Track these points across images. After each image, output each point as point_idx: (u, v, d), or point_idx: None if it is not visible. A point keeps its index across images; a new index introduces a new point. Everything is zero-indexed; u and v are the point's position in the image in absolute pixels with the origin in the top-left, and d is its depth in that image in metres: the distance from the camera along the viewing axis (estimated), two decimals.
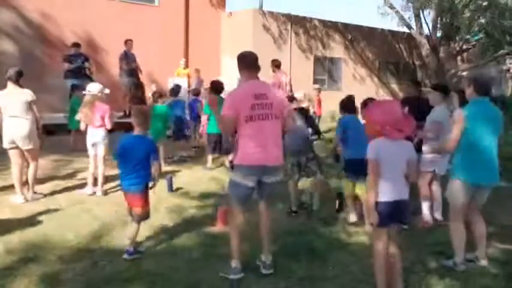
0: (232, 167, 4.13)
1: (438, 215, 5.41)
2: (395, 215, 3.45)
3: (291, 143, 5.26)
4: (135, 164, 4.17)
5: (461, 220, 4.12)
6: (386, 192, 3.39)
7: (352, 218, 5.34)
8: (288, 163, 5.37)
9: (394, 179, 3.41)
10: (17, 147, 5.74)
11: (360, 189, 5.20)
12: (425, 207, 5.34)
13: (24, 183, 5.95)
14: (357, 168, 5.04)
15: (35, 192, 5.99)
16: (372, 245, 3.64)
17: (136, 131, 4.30)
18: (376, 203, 3.40)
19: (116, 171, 7.40)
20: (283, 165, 4.14)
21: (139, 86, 10.58)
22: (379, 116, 3.42)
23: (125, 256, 4.14)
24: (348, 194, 5.40)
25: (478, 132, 3.97)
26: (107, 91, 6.35)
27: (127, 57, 11.84)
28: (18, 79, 5.69)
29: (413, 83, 6.95)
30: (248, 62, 3.99)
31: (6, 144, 5.73)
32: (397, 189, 3.42)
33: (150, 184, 4.31)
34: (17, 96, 5.61)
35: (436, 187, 5.44)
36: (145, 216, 4.30)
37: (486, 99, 4.08)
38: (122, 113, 12.21)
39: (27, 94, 5.68)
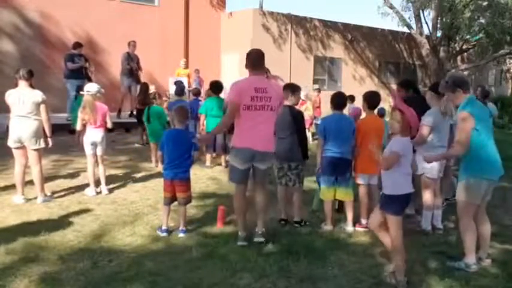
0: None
1: (439, 223, 5.18)
2: (406, 205, 3.95)
3: (278, 147, 4.91)
4: (181, 154, 4.76)
5: (472, 219, 4.09)
6: (406, 185, 3.80)
7: (328, 226, 5.08)
8: (275, 167, 5.17)
9: (410, 173, 3.86)
10: (22, 147, 5.74)
11: (344, 195, 5.08)
12: (429, 217, 5.09)
13: (25, 184, 5.95)
14: (336, 168, 5.00)
15: (46, 195, 5.93)
16: (393, 234, 3.78)
17: (178, 126, 4.93)
18: (399, 196, 3.76)
19: (114, 172, 7.47)
20: (273, 154, 4.62)
21: (147, 89, 10.58)
22: (413, 118, 3.81)
23: (181, 234, 4.75)
24: (327, 200, 5.12)
25: (485, 129, 4.01)
26: (102, 91, 6.37)
27: (129, 59, 11.88)
28: (30, 79, 5.71)
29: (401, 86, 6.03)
30: (252, 59, 4.47)
31: (12, 143, 5.72)
32: (411, 182, 3.88)
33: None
34: (27, 96, 5.63)
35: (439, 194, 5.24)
36: (190, 199, 4.93)
37: (473, 96, 4.17)
38: (128, 113, 12.29)
39: (37, 95, 5.70)
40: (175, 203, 4.87)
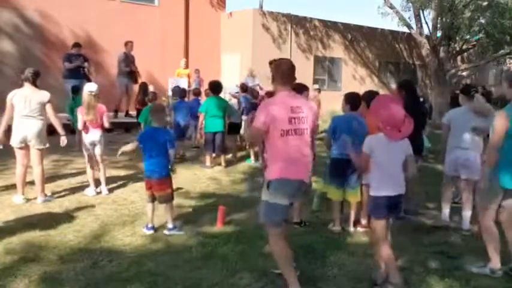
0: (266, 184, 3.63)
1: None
2: (392, 208, 3.63)
3: None
4: (155, 152, 4.77)
5: (492, 222, 3.99)
6: (385, 187, 3.57)
7: (337, 227, 5.07)
8: None
9: (391, 175, 3.58)
10: (25, 147, 5.74)
11: (351, 196, 5.09)
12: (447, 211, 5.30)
13: (26, 184, 5.94)
14: (344, 170, 4.95)
15: (46, 195, 5.93)
16: (373, 236, 3.71)
17: (155, 125, 4.94)
18: (376, 197, 3.58)
19: (114, 172, 7.47)
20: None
21: (146, 89, 10.60)
22: (383, 114, 3.52)
23: (171, 232, 4.76)
24: (335, 201, 5.11)
25: None
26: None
27: (126, 59, 11.89)
28: (35, 79, 5.73)
29: (399, 86, 5.97)
30: (282, 72, 3.66)
31: (16, 143, 5.70)
32: (395, 184, 3.60)
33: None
34: (33, 97, 5.64)
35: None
36: (168, 198, 4.85)
37: None
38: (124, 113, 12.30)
39: (44, 95, 5.73)
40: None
